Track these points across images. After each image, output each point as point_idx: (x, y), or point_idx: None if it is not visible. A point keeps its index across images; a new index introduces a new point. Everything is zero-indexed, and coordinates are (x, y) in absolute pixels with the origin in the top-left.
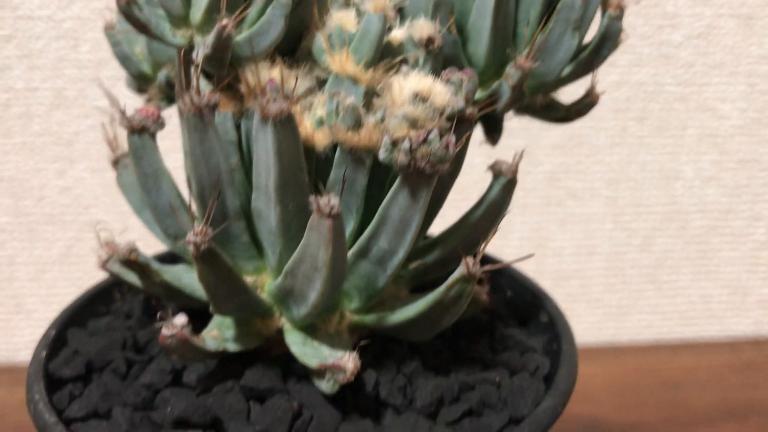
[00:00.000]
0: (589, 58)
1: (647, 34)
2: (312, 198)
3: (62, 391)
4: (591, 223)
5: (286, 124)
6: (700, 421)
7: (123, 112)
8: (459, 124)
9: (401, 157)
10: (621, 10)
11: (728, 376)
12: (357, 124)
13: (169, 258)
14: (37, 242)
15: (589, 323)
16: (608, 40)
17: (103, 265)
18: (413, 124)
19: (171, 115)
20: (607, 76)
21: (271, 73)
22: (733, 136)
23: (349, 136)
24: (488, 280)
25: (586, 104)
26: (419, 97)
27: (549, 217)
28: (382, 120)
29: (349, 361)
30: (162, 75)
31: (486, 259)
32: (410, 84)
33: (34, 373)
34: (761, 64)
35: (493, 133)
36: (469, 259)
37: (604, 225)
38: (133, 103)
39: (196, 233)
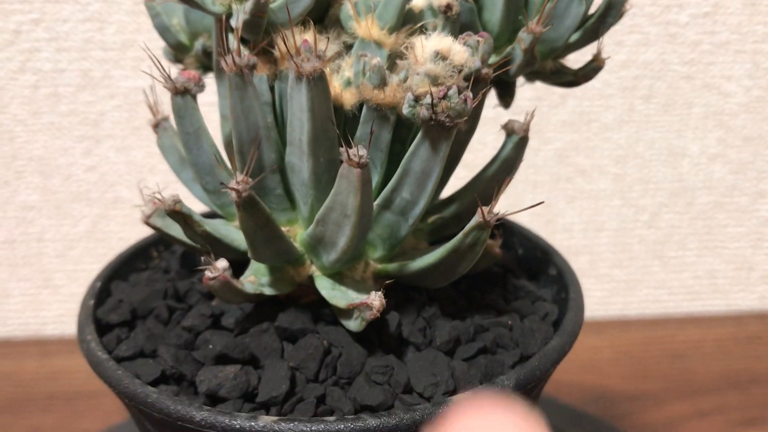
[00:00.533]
0: (595, 26)
1: (654, 13)
2: (342, 149)
3: (110, 335)
4: (599, 199)
5: (318, 82)
6: (704, 391)
7: (168, 75)
8: (475, 83)
9: (423, 111)
10: None
11: (732, 348)
12: (382, 83)
13: (207, 216)
14: (65, 219)
15: (597, 298)
16: (612, 9)
17: (147, 219)
18: (434, 80)
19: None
20: (615, 55)
21: (304, 36)
22: (738, 114)
23: (375, 94)
24: (500, 236)
25: (592, 68)
26: (440, 56)
27: (558, 193)
28: (405, 80)
29: (375, 299)
30: (198, 44)
31: (518, 231)
32: (431, 43)
33: (85, 318)
34: (767, 42)
35: (506, 97)
36: (484, 208)
37: (612, 201)
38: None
39: (238, 182)
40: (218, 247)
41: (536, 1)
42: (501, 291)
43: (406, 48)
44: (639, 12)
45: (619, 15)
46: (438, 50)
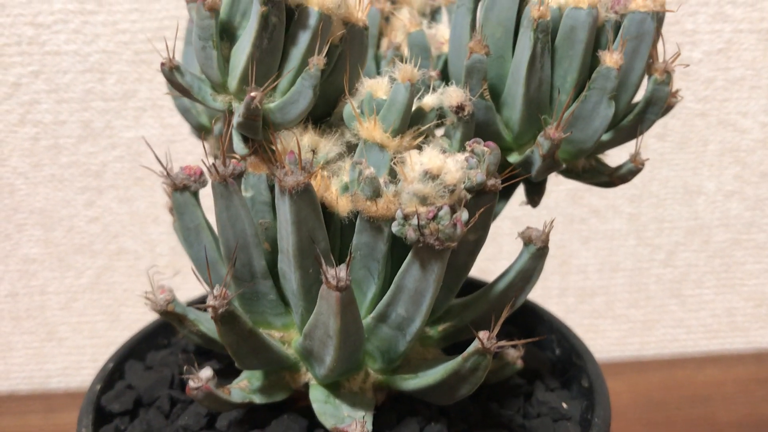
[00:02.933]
0: (633, 123)
1: (667, 51)
2: (322, 269)
3: (109, 425)
4: (614, 239)
5: (303, 196)
6: None
7: (168, 172)
8: (480, 195)
9: (410, 233)
10: (668, 74)
11: (755, 389)
12: (376, 194)
13: None
14: (67, 271)
15: (614, 339)
16: (653, 105)
17: (154, 308)
18: (423, 200)
19: None
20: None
21: (302, 139)
22: (754, 150)
23: (368, 206)
24: (522, 347)
25: (629, 170)
26: (429, 175)
27: (572, 234)
28: (400, 190)
29: (356, 428)
30: (217, 128)
31: (528, 309)
32: (423, 160)
33: (86, 406)
34: None
35: (534, 195)
36: (484, 334)
37: (627, 241)
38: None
39: (215, 296)
40: (215, 346)
41: (562, 100)
42: (522, 405)
43: (395, 164)
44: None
45: (662, 110)
46: (427, 169)
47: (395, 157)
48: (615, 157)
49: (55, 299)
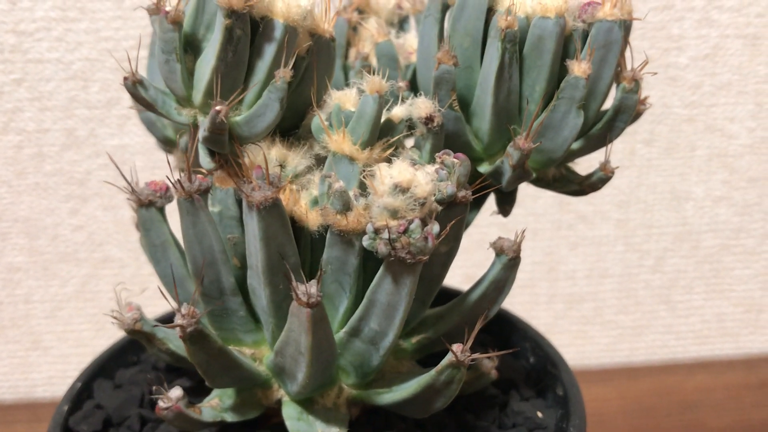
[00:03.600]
0: (603, 131)
1: (653, 57)
2: (292, 285)
3: None
4: (602, 245)
5: (271, 211)
6: None
7: (132, 188)
8: (452, 207)
9: (381, 247)
10: (636, 82)
11: (744, 396)
12: (346, 208)
13: None
14: (52, 280)
15: (603, 345)
16: (623, 113)
17: (123, 326)
18: (393, 214)
19: None
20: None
21: (270, 153)
22: (742, 155)
23: (338, 220)
24: (495, 359)
25: (599, 178)
26: (399, 188)
27: (560, 240)
28: (370, 203)
29: None
30: (183, 141)
31: (502, 318)
32: (392, 173)
33: (53, 428)
34: None
35: (505, 205)
36: (457, 347)
37: (616, 247)
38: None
39: (183, 315)
40: (185, 364)
41: (532, 109)
42: (497, 415)
43: (365, 177)
44: (637, 55)
45: (630, 118)
46: (397, 183)
47: (365, 170)
48: (586, 164)
49: (40, 308)
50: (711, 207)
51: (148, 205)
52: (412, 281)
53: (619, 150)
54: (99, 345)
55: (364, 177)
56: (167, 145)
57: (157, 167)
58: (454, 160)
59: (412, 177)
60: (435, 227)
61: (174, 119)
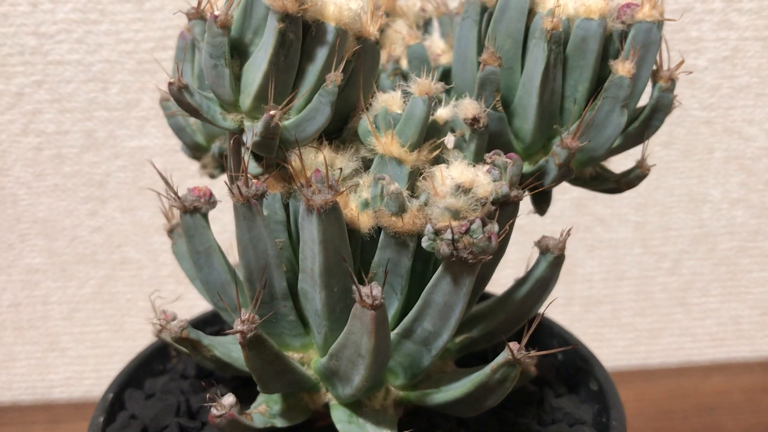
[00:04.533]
0: (639, 130)
1: (672, 59)
2: (355, 287)
3: None
4: (619, 248)
5: (330, 215)
6: None
7: (176, 194)
8: (504, 207)
9: (443, 248)
10: (672, 81)
11: (761, 398)
12: (401, 210)
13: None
14: (70, 281)
15: (620, 347)
16: (659, 112)
17: (158, 334)
18: (455, 214)
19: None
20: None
21: (318, 157)
22: (760, 158)
23: (393, 221)
24: (536, 352)
25: (636, 176)
26: (461, 189)
27: (577, 243)
28: (426, 204)
29: None
30: (216, 147)
31: (549, 329)
32: (453, 174)
33: None
34: None
35: (542, 204)
36: (514, 344)
37: (633, 250)
38: (164, 142)
39: (242, 320)
40: (230, 370)
41: (572, 108)
42: (536, 411)
43: (425, 178)
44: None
45: (665, 116)
46: (460, 183)
47: (422, 171)
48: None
49: (57, 309)
50: (728, 209)
51: (192, 212)
52: (470, 281)
53: (637, 152)
54: (116, 346)
55: (423, 178)
56: (196, 150)
57: (176, 169)
58: (507, 159)
59: (474, 177)
60: (495, 227)
61: (219, 124)
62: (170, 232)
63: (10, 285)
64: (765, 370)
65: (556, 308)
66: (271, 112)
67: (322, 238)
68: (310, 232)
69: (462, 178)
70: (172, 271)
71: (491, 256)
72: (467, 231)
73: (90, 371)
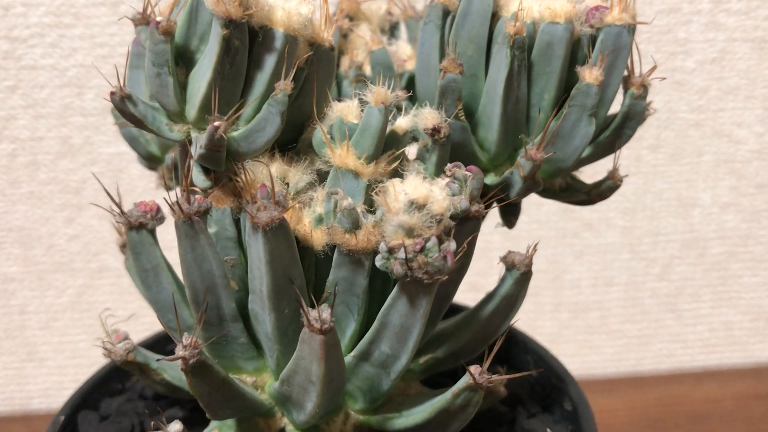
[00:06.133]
0: (611, 139)
1: (659, 61)
2: (302, 310)
3: None
4: (608, 253)
5: (277, 232)
6: None
7: (121, 209)
8: (464, 222)
9: (397, 267)
10: (645, 88)
11: (754, 406)
12: (355, 226)
13: None
14: (48, 290)
15: (609, 354)
16: (631, 120)
17: (107, 356)
18: (409, 232)
19: None
20: (619, 105)
21: (270, 169)
22: (750, 161)
23: (347, 239)
24: (504, 373)
25: (608, 186)
26: (415, 205)
27: (565, 249)
28: (381, 220)
29: None
30: (169, 158)
31: (523, 344)
32: (406, 189)
33: None
34: None
35: (510, 216)
36: (476, 368)
37: (621, 255)
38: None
39: (184, 346)
40: (182, 393)
41: (539, 118)
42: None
43: (377, 193)
44: (644, 60)
45: (638, 124)
46: (413, 199)
47: (375, 186)
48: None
49: (35, 319)
50: (718, 214)
51: (138, 228)
52: (427, 302)
53: (625, 156)
54: (96, 356)
55: (375, 193)
56: (151, 161)
57: (153, 175)
58: (466, 172)
59: (428, 193)
60: (452, 245)
61: (165, 136)
62: (123, 246)
63: None
64: (757, 376)
65: (544, 315)
66: (216, 123)
67: (269, 258)
68: (257, 251)
69: (416, 193)
70: None
71: (447, 276)
72: (422, 249)
73: (69, 381)
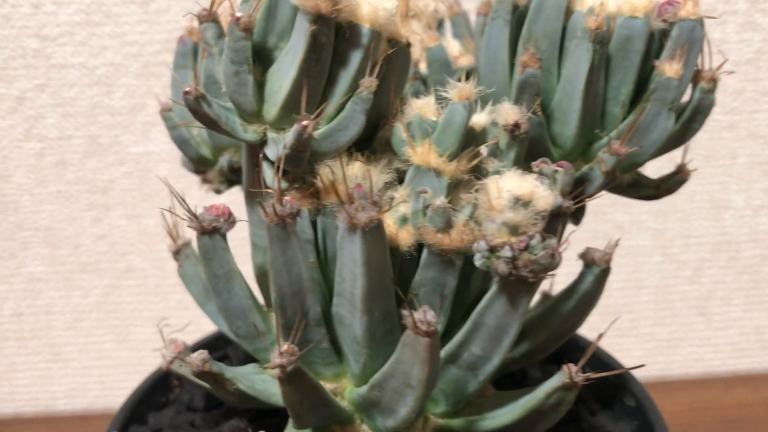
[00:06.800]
0: (680, 133)
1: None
2: (406, 312)
3: None
4: (638, 256)
5: (375, 233)
6: None
7: (193, 214)
8: (553, 219)
9: (501, 266)
10: (714, 82)
11: None
12: (447, 225)
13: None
14: (74, 291)
15: (638, 358)
16: (699, 114)
17: (168, 365)
18: (513, 230)
19: (232, 195)
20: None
21: (351, 169)
22: None
23: (440, 239)
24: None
25: (676, 181)
26: (520, 202)
27: None
28: (472, 216)
29: None
30: (224, 160)
31: (575, 343)
32: (509, 186)
33: None
34: None
35: (578, 213)
36: (571, 367)
37: (652, 258)
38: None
39: (281, 353)
40: (253, 403)
41: (615, 112)
42: (575, 431)
43: (477, 190)
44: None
45: (705, 119)
46: (518, 196)
47: (456, 179)
48: None
49: (61, 319)
50: (751, 216)
51: (211, 233)
52: (527, 301)
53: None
54: (121, 357)
55: (476, 190)
56: (200, 164)
57: (182, 175)
58: (557, 168)
59: (534, 189)
60: (555, 241)
61: (239, 136)
62: (176, 253)
63: (12, 294)
64: None
65: None
66: (304, 123)
67: (366, 259)
68: (351, 253)
69: (520, 190)
70: (178, 281)
71: (553, 274)
72: (526, 247)
73: (94, 382)
